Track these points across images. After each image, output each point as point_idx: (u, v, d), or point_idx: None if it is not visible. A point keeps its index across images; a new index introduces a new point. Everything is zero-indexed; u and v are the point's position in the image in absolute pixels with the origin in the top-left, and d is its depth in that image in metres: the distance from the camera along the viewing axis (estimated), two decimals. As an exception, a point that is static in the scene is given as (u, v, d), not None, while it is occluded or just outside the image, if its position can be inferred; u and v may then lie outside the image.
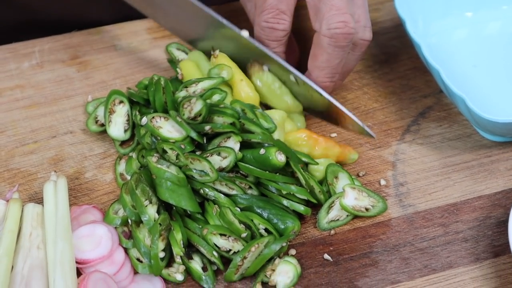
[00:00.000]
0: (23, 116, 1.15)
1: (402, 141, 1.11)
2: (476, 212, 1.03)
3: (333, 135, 1.12)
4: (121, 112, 1.10)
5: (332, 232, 1.01)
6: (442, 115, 1.14)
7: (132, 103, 1.11)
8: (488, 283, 0.96)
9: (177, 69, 1.14)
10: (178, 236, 0.96)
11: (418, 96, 1.17)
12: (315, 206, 1.03)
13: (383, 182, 1.06)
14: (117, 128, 1.10)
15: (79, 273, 0.96)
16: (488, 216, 1.03)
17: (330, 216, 1.02)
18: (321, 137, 1.07)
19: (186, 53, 1.20)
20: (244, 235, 0.97)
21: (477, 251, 0.99)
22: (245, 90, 1.09)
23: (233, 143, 1.02)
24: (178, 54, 1.19)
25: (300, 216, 1.02)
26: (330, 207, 1.02)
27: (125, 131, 1.10)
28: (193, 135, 1.02)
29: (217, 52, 1.11)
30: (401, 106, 1.16)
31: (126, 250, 0.98)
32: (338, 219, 1.02)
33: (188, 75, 1.12)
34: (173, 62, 1.18)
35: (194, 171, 1.00)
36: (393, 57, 1.24)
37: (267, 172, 1.00)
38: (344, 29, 1.01)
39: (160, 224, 0.96)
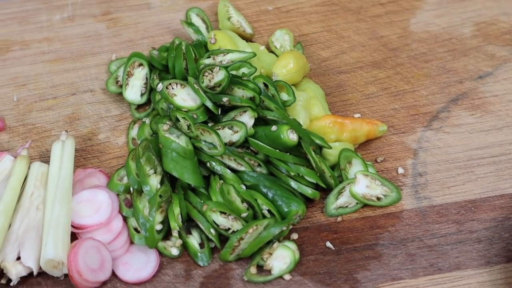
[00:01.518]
0: (46, 71, 1.14)
1: (429, 128, 1.05)
2: (495, 211, 0.97)
3: (357, 115, 1.07)
4: (140, 75, 1.08)
5: (339, 219, 0.97)
6: (476, 103, 1.08)
7: (153, 66, 1.09)
8: (495, 290, 0.90)
9: (211, 36, 1.10)
10: (176, 210, 0.94)
11: (454, 81, 1.11)
12: (325, 191, 0.98)
13: (401, 171, 1.01)
14: (134, 91, 1.07)
15: (76, 237, 0.95)
16: (508, 218, 0.96)
17: (339, 202, 0.98)
18: (347, 119, 1.02)
19: (204, 22, 1.16)
20: (244, 215, 0.94)
21: (489, 254, 0.93)
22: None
23: (248, 118, 0.98)
24: (196, 20, 1.16)
25: (308, 200, 0.98)
26: (339, 192, 0.98)
27: (142, 95, 1.07)
28: (209, 104, 0.99)
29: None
30: (433, 90, 1.10)
31: (125, 219, 0.97)
32: (346, 206, 0.98)
33: (221, 45, 1.09)
34: (190, 23, 1.14)
35: (203, 143, 0.97)
36: (433, 36, 1.17)
37: (277, 150, 0.97)
38: None
39: (160, 195, 0.93)
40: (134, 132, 1.06)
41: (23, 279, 0.92)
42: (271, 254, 0.93)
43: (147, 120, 1.05)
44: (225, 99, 0.98)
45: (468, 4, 1.22)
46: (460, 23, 1.19)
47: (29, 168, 0.99)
